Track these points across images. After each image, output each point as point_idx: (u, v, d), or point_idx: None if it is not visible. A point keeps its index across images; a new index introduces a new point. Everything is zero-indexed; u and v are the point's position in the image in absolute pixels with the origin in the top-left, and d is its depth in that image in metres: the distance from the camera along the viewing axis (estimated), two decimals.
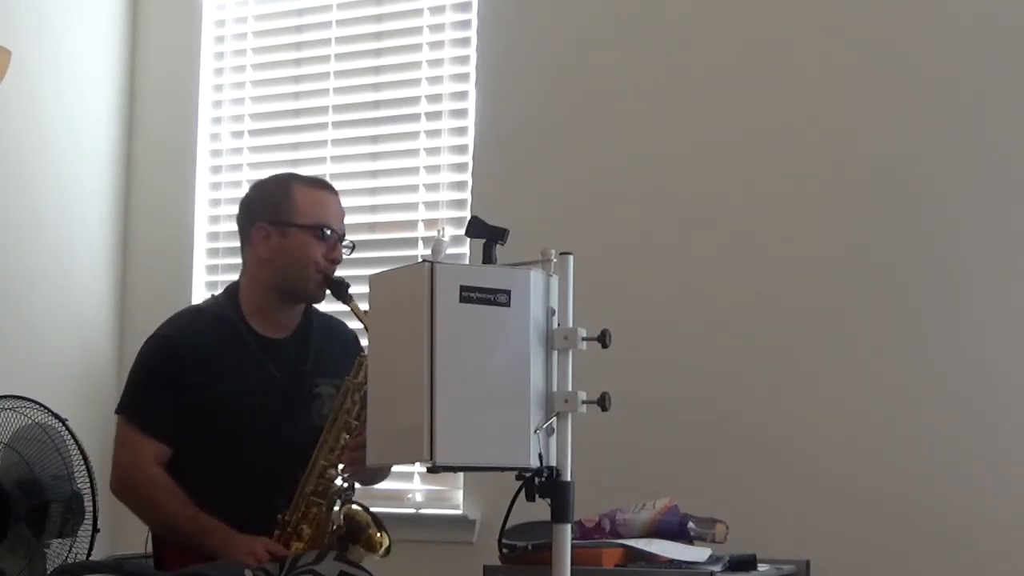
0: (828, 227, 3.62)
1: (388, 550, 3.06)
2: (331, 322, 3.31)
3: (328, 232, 3.12)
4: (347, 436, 3.01)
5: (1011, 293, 3.42)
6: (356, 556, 3.00)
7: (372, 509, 3.12)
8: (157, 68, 4.69)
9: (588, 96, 3.95)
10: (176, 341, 3.09)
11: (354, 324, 3.27)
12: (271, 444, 3.06)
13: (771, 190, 3.70)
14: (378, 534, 3.05)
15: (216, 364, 3.06)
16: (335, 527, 3.01)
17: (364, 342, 3.14)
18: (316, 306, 3.25)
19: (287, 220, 3.12)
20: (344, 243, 3.17)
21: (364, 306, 3.02)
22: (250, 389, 3.08)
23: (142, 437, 3.05)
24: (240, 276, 3.22)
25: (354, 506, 3.05)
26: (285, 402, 3.10)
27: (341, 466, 3.02)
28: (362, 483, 3.13)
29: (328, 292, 3.15)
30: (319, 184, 3.25)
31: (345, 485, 3.03)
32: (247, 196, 3.26)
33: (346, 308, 3.10)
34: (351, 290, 3.11)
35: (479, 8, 4.16)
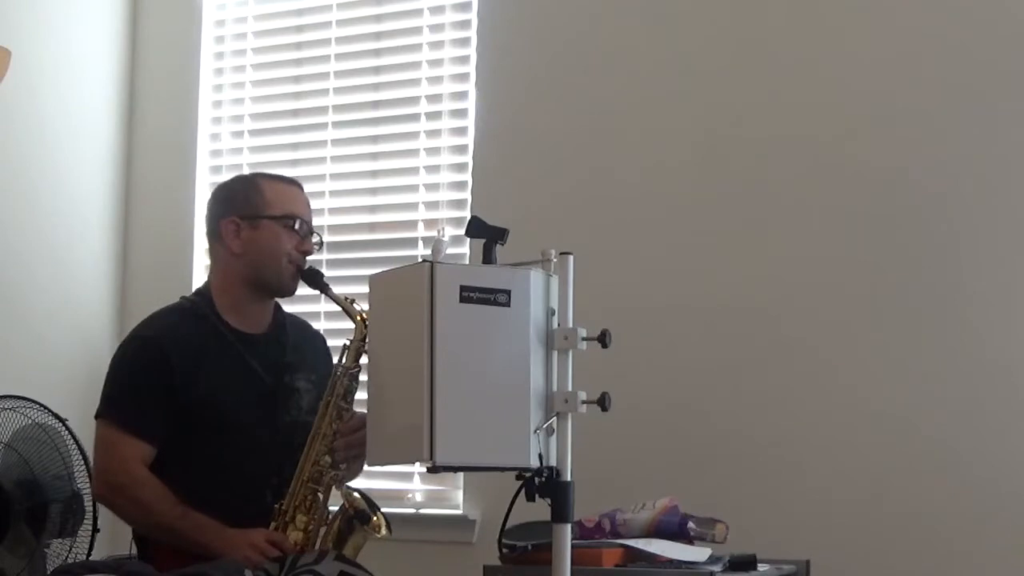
0: (828, 227, 3.62)
1: (389, 528, 3.07)
2: (299, 321, 3.33)
3: (298, 223, 3.13)
4: (339, 421, 3.02)
5: (1011, 293, 3.42)
6: (361, 538, 3.01)
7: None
8: (157, 68, 4.69)
9: (588, 96, 3.95)
10: (159, 341, 3.06)
11: (341, 322, 3.27)
12: (255, 439, 3.06)
13: (771, 190, 3.70)
14: (375, 516, 3.06)
15: (200, 362, 3.05)
16: (347, 509, 3.02)
17: (345, 325, 3.14)
18: (286, 306, 3.26)
19: (257, 213, 3.12)
20: (314, 237, 3.18)
21: (347, 295, 3.09)
22: (233, 385, 3.08)
23: (126, 438, 3.01)
24: (210, 275, 3.22)
25: (355, 493, 3.06)
26: (267, 397, 3.11)
27: (337, 453, 3.02)
28: (344, 475, 3.12)
29: (305, 285, 3.16)
30: (286, 179, 3.25)
31: (340, 471, 3.04)
32: (213, 195, 3.26)
33: (331, 307, 3.11)
34: (347, 290, 3.13)
35: (479, 8, 4.16)
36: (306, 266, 3.14)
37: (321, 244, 3.22)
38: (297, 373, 3.17)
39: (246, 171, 4.46)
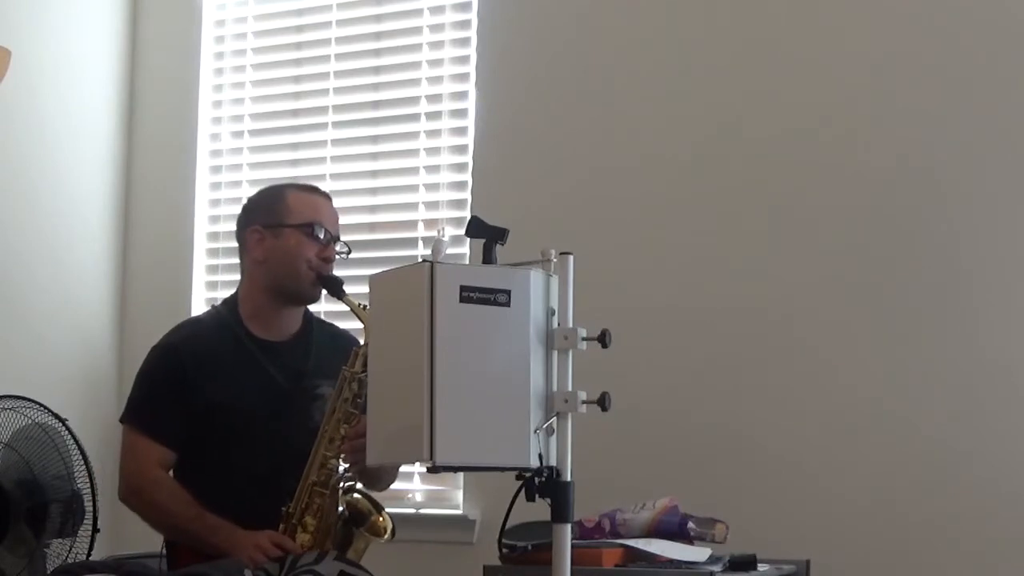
0: (828, 227, 3.62)
1: (393, 532, 3.07)
2: (331, 327, 3.36)
3: (319, 231, 3.15)
4: (346, 425, 3.03)
5: (1011, 293, 3.42)
6: (363, 542, 3.03)
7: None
8: (157, 68, 4.69)
9: (588, 96, 3.95)
10: (177, 349, 3.15)
11: (349, 324, 3.28)
12: (274, 445, 3.10)
13: (771, 191, 3.70)
14: (380, 518, 3.07)
15: (217, 369, 3.11)
16: (340, 512, 3.03)
17: (360, 337, 3.15)
18: (316, 311, 3.30)
19: (279, 221, 3.17)
20: (339, 246, 3.20)
21: (360, 302, 3.07)
22: (251, 392, 3.11)
23: (146, 442, 3.11)
24: (239, 284, 3.28)
25: (355, 495, 3.07)
26: (286, 403, 3.13)
27: (343, 456, 3.04)
28: (367, 485, 3.14)
29: (325, 292, 3.18)
30: (312, 189, 3.30)
31: (347, 475, 3.05)
32: (244, 204, 3.33)
33: (344, 308, 3.13)
34: (348, 291, 3.14)
35: (479, 8, 4.16)
36: (327, 273, 3.15)
37: (348, 252, 3.23)
38: (320, 379, 3.18)
39: (246, 171, 4.51)
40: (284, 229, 3.16)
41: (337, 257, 3.20)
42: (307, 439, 3.08)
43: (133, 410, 3.19)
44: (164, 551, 3.13)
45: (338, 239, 3.21)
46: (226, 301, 3.29)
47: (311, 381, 3.17)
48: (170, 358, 3.15)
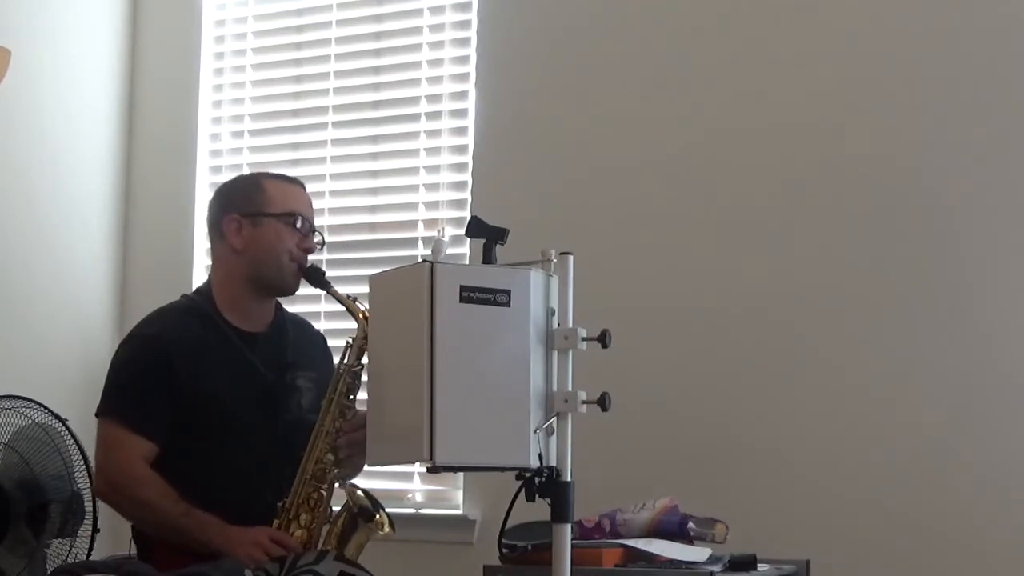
0: (828, 227, 3.62)
1: (393, 527, 3.07)
2: (300, 319, 3.33)
3: (299, 221, 3.13)
4: (341, 419, 3.02)
5: (1012, 293, 3.42)
6: (364, 536, 3.01)
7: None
8: (157, 68, 4.69)
9: (588, 96, 3.95)
10: (161, 339, 3.05)
11: (344, 322, 3.28)
12: (257, 437, 3.07)
13: (771, 190, 3.70)
14: (378, 515, 3.06)
15: (201, 360, 3.05)
16: (351, 507, 3.01)
17: (348, 325, 3.13)
18: (287, 304, 3.27)
19: (259, 210, 3.12)
20: (315, 236, 3.18)
21: (348, 293, 3.09)
22: (236, 383, 3.08)
23: (130, 436, 3.00)
24: (211, 273, 3.21)
25: (358, 492, 3.06)
26: (269, 395, 3.11)
27: (338, 450, 3.02)
28: (348, 473, 3.12)
29: (307, 283, 3.16)
30: (288, 178, 3.26)
31: (341, 472, 3.04)
32: (216, 193, 3.27)
33: (332, 306, 3.11)
34: (347, 290, 3.13)
35: (479, 8, 4.16)
36: (308, 264, 3.14)
37: (323, 243, 3.22)
38: (298, 371, 3.17)
39: (246, 171, 4.48)
40: (264, 218, 3.11)
41: (315, 247, 3.16)
42: (287, 430, 3.07)
43: (117, 403, 3.05)
44: (134, 549, 3.05)
45: (315, 229, 3.18)
46: (199, 291, 3.21)
47: (291, 373, 3.15)
48: (157, 349, 3.04)
